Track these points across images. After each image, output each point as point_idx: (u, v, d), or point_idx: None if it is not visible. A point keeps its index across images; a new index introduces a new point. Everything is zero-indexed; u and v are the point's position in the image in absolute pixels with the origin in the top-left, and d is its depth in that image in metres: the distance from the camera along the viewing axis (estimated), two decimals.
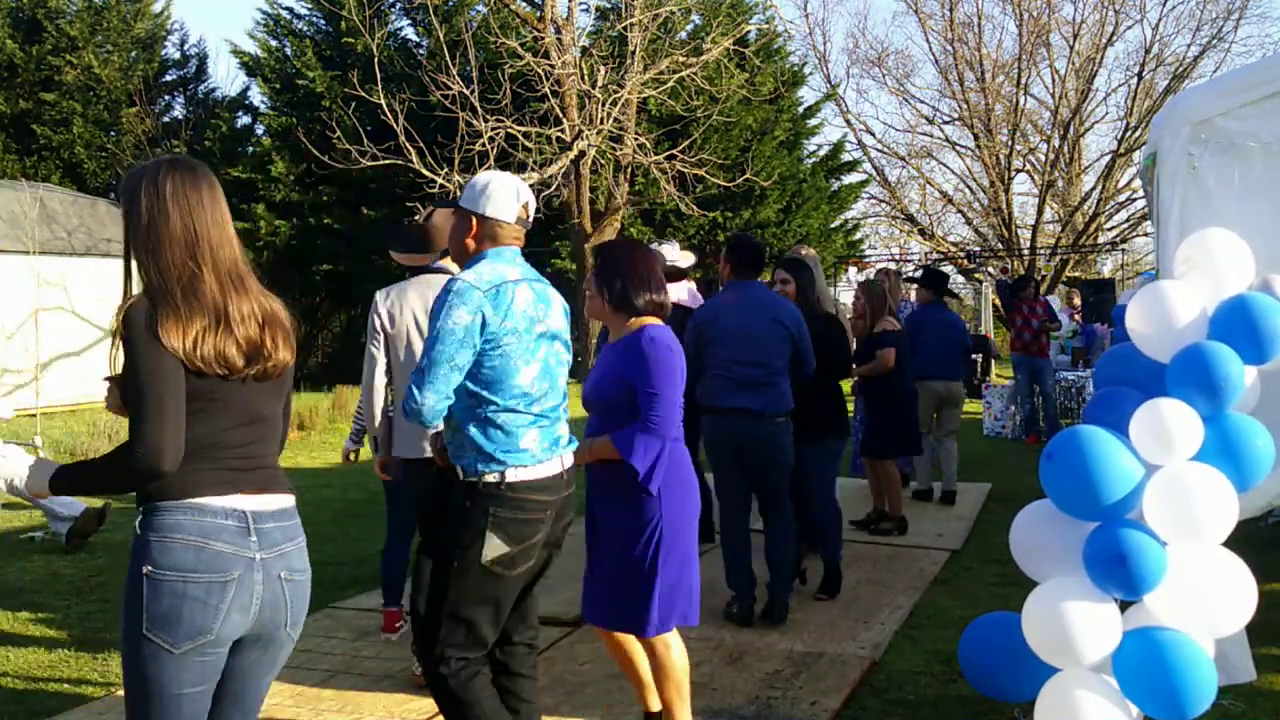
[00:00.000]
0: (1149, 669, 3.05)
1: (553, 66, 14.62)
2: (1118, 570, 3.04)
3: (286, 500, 2.37)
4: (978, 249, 28.36)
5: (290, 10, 21.91)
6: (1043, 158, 29.13)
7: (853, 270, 23.38)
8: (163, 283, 2.23)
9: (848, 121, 28.72)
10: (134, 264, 2.31)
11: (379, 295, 4.33)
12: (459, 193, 3.11)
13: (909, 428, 7.07)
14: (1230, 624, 3.16)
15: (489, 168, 13.16)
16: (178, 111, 23.29)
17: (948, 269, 23.71)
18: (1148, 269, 13.00)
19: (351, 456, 5.22)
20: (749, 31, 19.35)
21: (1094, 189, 28.10)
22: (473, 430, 2.94)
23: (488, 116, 13.96)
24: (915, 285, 10.11)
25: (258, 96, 22.33)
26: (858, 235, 25.18)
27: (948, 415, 8.05)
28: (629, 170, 16.68)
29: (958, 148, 29.36)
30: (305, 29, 21.75)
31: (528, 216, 3.10)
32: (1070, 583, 3.18)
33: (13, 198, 14.04)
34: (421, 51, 19.29)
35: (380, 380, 4.31)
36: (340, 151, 14.19)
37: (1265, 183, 3.66)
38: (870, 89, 55.61)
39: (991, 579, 5.72)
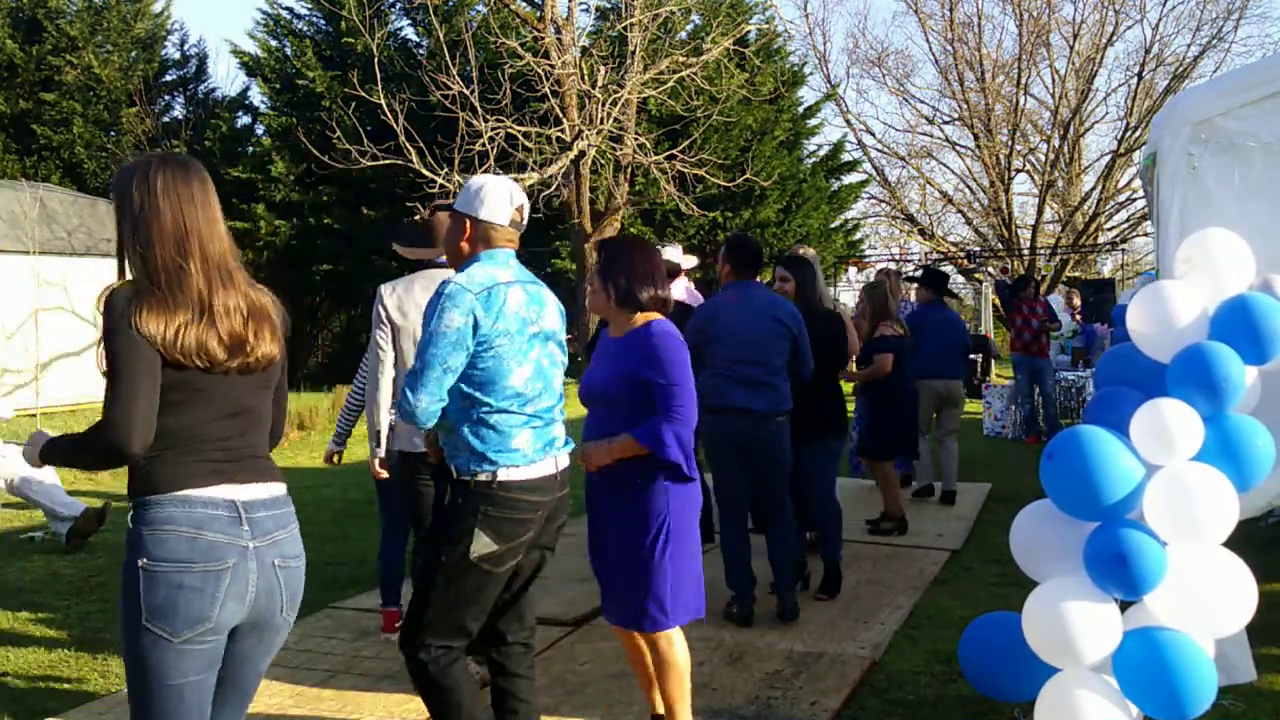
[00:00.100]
0: (1149, 669, 3.05)
1: (553, 66, 14.59)
2: (1118, 570, 3.04)
3: (277, 488, 2.39)
4: (978, 249, 28.32)
5: (290, 10, 21.89)
6: (1043, 158, 29.12)
7: (853, 270, 23.40)
8: (151, 275, 2.26)
9: (848, 121, 28.73)
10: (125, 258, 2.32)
11: (384, 288, 4.29)
12: (459, 192, 3.13)
13: (908, 429, 7.09)
14: (1230, 624, 3.16)
15: (489, 168, 13.15)
16: (178, 111, 23.25)
17: (948, 269, 23.68)
18: (1148, 269, 12.99)
19: (335, 459, 5.17)
20: (749, 31, 19.32)
21: (1094, 189, 28.07)
22: (466, 431, 2.96)
23: (488, 116, 13.93)
24: (915, 285, 10.13)
25: (258, 96, 22.32)
26: (858, 235, 25.16)
27: (948, 415, 8.06)
28: (629, 170, 16.66)
29: (958, 148, 29.36)
30: (305, 29, 21.73)
31: (522, 219, 3.13)
32: (1070, 583, 3.18)
33: (13, 198, 14.02)
34: (421, 51, 19.27)
35: (389, 374, 4.27)
36: (340, 151, 14.17)
37: (1265, 183, 3.66)
38: (870, 89, 55.59)
39: (991, 579, 5.73)
